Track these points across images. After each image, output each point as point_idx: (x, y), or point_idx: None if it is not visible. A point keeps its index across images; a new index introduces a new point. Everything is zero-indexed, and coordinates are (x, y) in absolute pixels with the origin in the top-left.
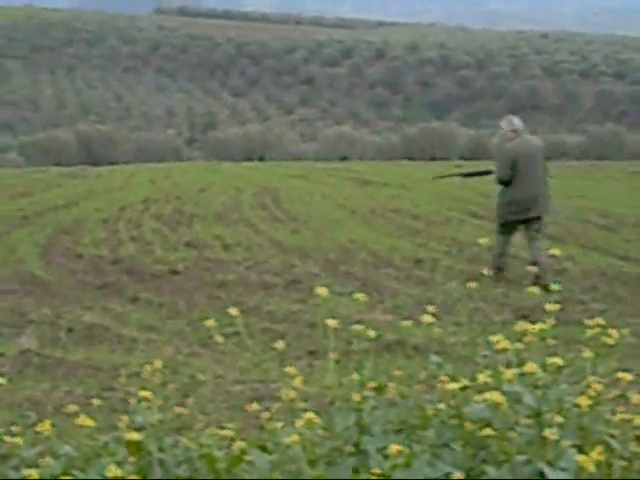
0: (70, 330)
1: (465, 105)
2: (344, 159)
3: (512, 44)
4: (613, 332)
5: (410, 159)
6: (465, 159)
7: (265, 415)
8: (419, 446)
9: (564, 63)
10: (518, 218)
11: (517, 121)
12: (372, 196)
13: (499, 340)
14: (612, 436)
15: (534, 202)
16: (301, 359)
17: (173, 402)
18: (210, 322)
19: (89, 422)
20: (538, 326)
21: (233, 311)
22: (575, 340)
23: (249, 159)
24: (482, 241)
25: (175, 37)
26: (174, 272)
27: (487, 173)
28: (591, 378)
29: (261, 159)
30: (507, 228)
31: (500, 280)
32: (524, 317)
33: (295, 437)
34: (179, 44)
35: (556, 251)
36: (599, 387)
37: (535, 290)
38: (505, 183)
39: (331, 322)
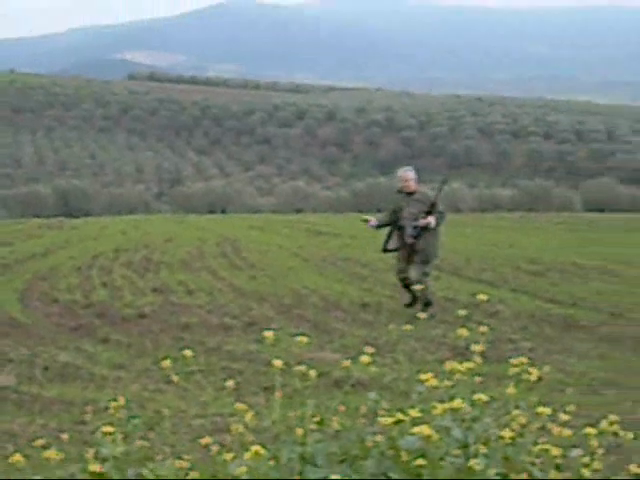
0: (46, 368)
1: (408, 162)
2: (298, 212)
3: (450, 107)
4: (534, 370)
5: (359, 212)
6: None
7: (215, 447)
8: (359, 475)
9: (497, 124)
10: None
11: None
12: (324, 245)
13: (429, 378)
14: (534, 465)
15: None
16: (257, 394)
17: (138, 435)
18: (166, 362)
19: (55, 454)
20: (465, 365)
21: (188, 353)
22: (505, 376)
23: (212, 212)
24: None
25: (145, 101)
26: (142, 315)
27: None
28: (515, 412)
29: (223, 212)
30: None
31: (436, 314)
32: (460, 355)
33: (243, 468)
34: (149, 107)
35: (483, 296)
36: (522, 420)
37: (464, 331)
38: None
39: (277, 362)
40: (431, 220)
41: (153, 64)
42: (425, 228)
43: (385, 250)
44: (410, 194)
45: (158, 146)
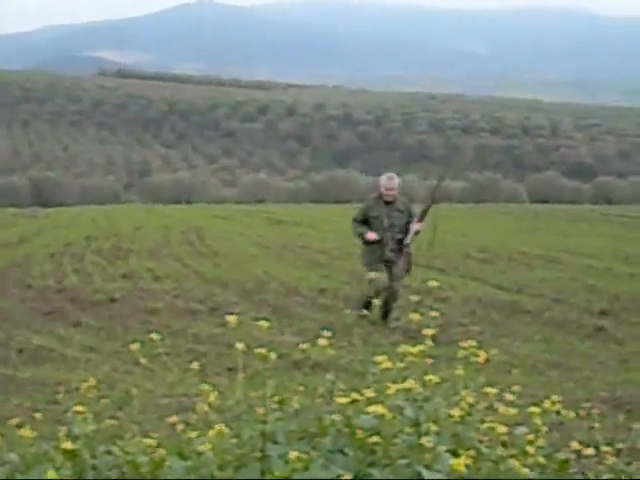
0: (20, 351)
1: (364, 156)
2: (260, 202)
3: (405, 104)
4: (481, 352)
5: (317, 202)
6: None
7: (181, 426)
8: (316, 452)
9: (449, 120)
10: None
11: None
12: (284, 234)
13: (383, 360)
14: (481, 442)
15: None
16: (221, 375)
17: (108, 414)
18: (135, 346)
19: (29, 433)
20: (417, 347)
21: (155, 336)
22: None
23: (178, 202)
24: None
25: (115, 96)
26: (112, 300)
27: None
28: (464, 392)
29: (188, 202)
30: None
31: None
32: (413, 339)
33: (207, 445)
34: (118, 102)
35: (434, 282)
36: (471, 400)
37: (416, 316)
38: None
39: (239, 345)
40: (420, 225)
41: (121, 62)
42: (416, 233)
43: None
44: (389, 202)
45: (127, 139)
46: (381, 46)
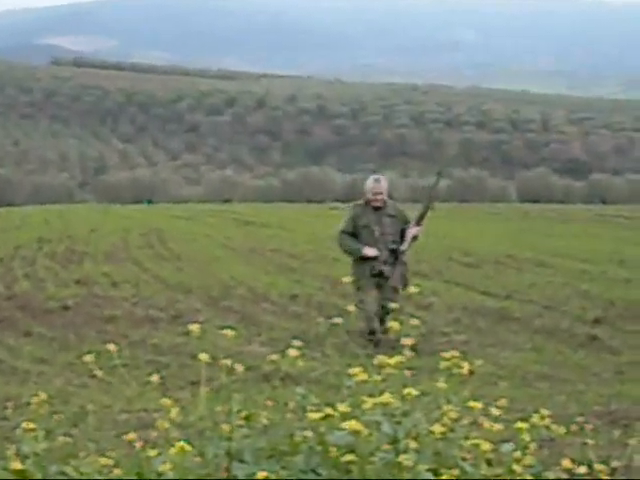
0: None
1: (340, 151)
2: (227, 201)
3: (384, 95)
4: (465, 363)
5: (288, 202)
6: (340, 201)
7: (140, 444)
8: (287, 472)
9: (431, 113)
10: None
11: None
12: (252, 236)
13: (358, 372)
14: (465, 460)
15: None
16: (184, 389)
17: (61, 431)
18: (89, 357)
19: None
20: (395, 358)
21: (111, 346)
22: (436, 370)
23: (137, 202)
24: (345, 279)
25: (69, 87)
26: (65, 308)
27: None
28: (446, 406)
29: (149, 201)
30: None
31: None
32: (391, 349)
33: (168, 465)
34: (73, 93)
35: (415, 288)
36: (454, 415)
37: (395, 324)
38: None
39: (203, 356)
40: (418, 229)
41: (79, 50)
42: (414, 239)
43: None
44: (379, 208)
45: (82, 133)
46: (360, 33)
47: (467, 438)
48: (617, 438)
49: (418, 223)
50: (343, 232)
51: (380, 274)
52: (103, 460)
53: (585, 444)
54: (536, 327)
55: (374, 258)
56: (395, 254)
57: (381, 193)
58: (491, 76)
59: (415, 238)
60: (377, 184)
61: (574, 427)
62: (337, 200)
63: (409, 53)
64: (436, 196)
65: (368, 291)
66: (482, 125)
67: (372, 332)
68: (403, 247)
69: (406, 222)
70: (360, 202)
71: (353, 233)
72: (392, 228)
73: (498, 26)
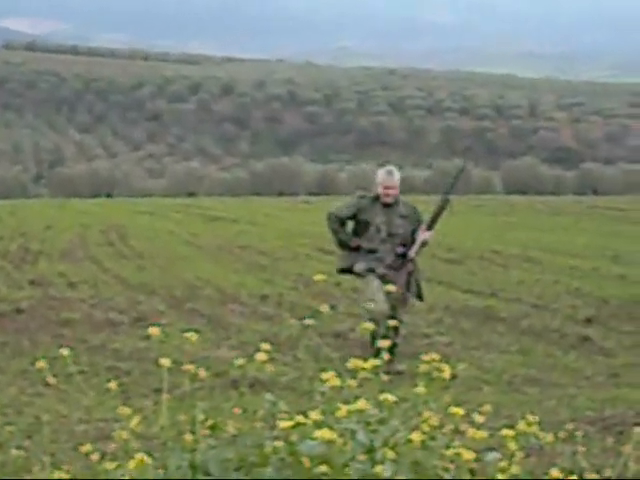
0: None
1: (312, 140)
2: (192, 195)
3: (359, 80)
4: (446, 367)
5: (258, 195)
6: (313, 194)
7: (95, 457)
8: None
9: (410, 99)
10: None
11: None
12: (219, 232)
13: (332, 377)
14: (446, 470)
15: None
16: (146, 397)
17: (14, 443)
18: (42, 363)
19: None
20: (371, 362)
21: (66, 352)
22: (417, 374)
23: (96, 196)
24: (318, 277)
25: (21, 72)
26: (18, 311)
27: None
28: (427, 413)
29: (108, 196)
30: None
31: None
32: (367, 352)
33: (127, 478)
34: (25, 80)
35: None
36: (434, 422)
37: (370, 326)
38: None
39: (165, 361)
40: (429, 234)
41: (33, 32)
42: (423, 245)
43: (343, 270)
44: (389, 205)
45: (36, 123)
46: (333, 15)
47: (449, 447)
48: (610, 446)
49: (430, 227)
50: (336, 215)
51: (382, 278)
52: (58, 474)
53: (576, 452)
54: (523, 328)
55: (377, 259)
56: (403, 258)
57: (393, 188)
58: (473, 60)
59: (425, 243)
60: (390, 177)
61: (564, 434)
62: (310, 193)
63: (386, 35)
64: (452, 194)
65: (377, 290)
66: (465, 111)
67: (376, 338)
68: (411, 253)
69: (418, 223)
70: (370, 195)
71: (343, 223)
72: (403, 230)
73: (477, 6)
